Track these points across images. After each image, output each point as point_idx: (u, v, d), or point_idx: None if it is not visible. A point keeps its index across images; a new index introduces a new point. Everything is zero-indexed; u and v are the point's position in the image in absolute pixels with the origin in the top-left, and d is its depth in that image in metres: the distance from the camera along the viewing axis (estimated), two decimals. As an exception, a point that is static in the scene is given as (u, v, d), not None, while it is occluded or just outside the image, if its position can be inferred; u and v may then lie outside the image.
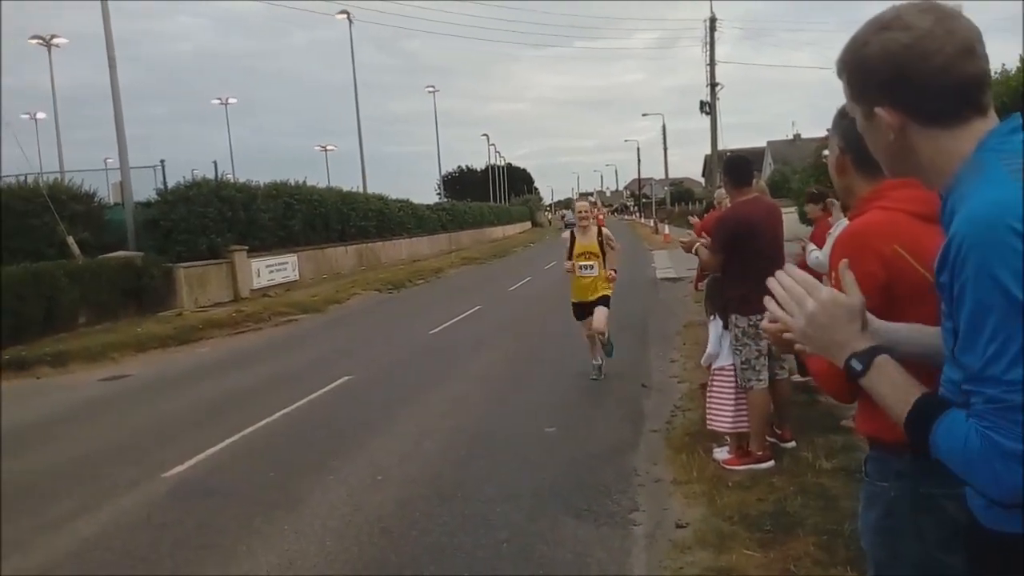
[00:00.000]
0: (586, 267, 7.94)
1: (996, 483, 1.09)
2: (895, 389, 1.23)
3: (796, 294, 1.34)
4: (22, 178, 17.85)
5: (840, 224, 5.23)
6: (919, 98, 1.22)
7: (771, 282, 1.39)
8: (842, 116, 1.84)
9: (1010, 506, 1.12)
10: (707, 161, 44.09)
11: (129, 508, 5.15)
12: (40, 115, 44.19)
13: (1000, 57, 12.27)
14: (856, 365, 1.26)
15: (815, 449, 5.08)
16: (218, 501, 5.19)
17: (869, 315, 1.38)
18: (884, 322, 1.46)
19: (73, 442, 7.03)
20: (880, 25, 1.26)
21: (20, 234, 16.54)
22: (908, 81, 1.22)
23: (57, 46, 34.95)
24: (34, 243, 16.38)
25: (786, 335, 1.39)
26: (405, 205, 35.43)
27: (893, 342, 1.38)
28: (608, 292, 7.97)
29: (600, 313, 7.80)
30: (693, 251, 5.59)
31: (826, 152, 2.06)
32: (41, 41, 34.43)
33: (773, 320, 1.40)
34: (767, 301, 1.38)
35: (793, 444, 5.28)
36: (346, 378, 9.02)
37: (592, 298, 7.89)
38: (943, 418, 1.16)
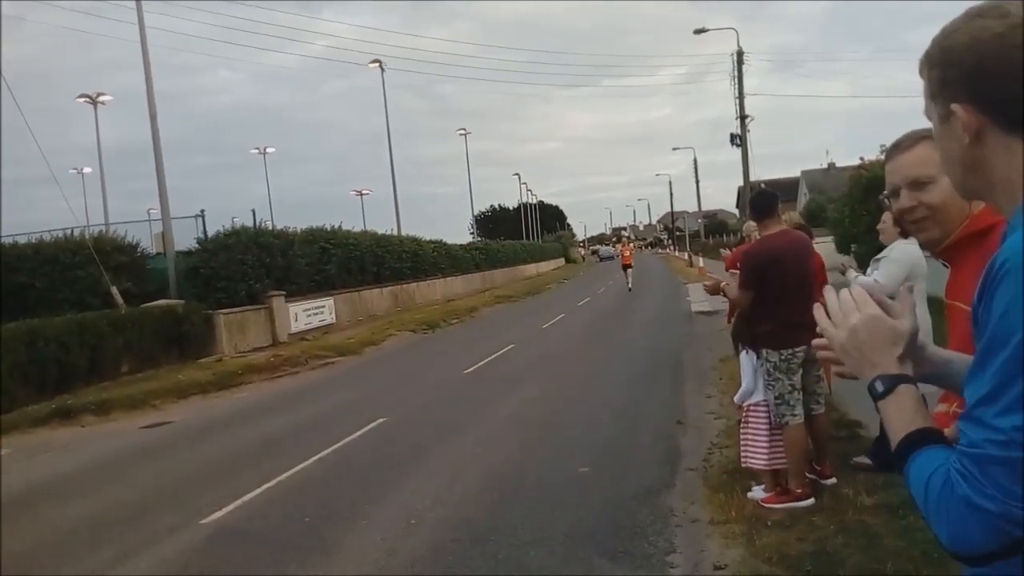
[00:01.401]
0: None
1: (949, 530, 1.00)
2: (902, 417, 1.14)
3: (846, 307, 1.24)
4: (68, 231, 18.49)
5: (897, 245, 5.15)
6: (1004, 97, 1.06)
7: (827, 291, 1.29)
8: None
9: (960, 558, 1.03)
10: (740, 193, 43.90)
11: (168, 556, 5.21)
12: (86, 170, 45.81)
13: None
14: (879, 386, 1.17)
15: (856, 485, 4.96)
16: (254, 547, 5.23)
17: (928, 344, 1.30)
18: (938, 348, 1.38)
19: (115, 490, 7.15)
20: (975, 12, 1.11)
21: (66, 285, 17.10)
22: (994, 75, 1.06)
23: (103, 103, 36.37)
24: (79, 294, 16.91)
25: (823, 353, 1.30)
26: (439, 246, 35.77)
27: (944, 369, 1.30)
28: None
29: None
30: (720, 292, 5.54)
31: (883, 195, 1.92)
32: (88, 99, 35.86)
33: (819, 336, 1.31)
34: (816, 309, 1.28)
35: (833, 481, 5.16)
36: (380, 420, 9.06)
37: None
38: (925, 450, 1.08)
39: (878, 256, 5.42)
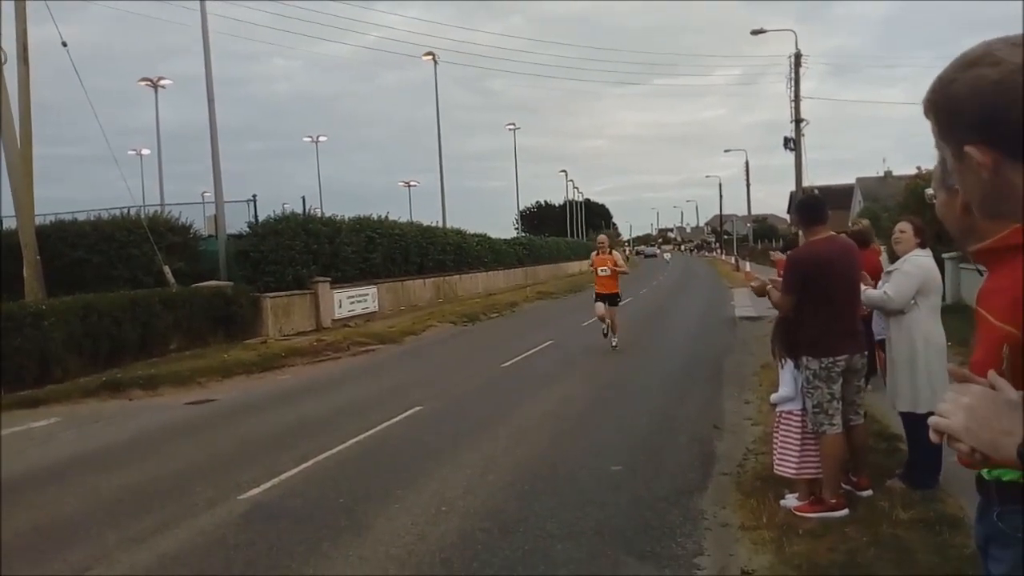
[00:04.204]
0: None
1: None
2: None
3: (950, 398, 1.26)
4: (125, 210, 19.06)
5: (910, 258, 5.06)
6: (1012, 134, 1.16)
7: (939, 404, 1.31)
8: None
9: None
10: (792, 198, 43.13)
11: (206, 528, 5.36)
12: (145, 151, 47.11)
13: None
14: None
15: (892, 499, 4.88)
16: (289, 524, 5.35)
17: None
18: None
19: (159, 462, 7.37)
20: (968, 61, 1.21)
21: (121, 263, 17.66)
22: (999, 117, 1.16)
23: (163, 87, 37.34)
24: (133, 271, 17.45)
25: (955, 444, 1.28)
26: (483, 239, 35.91)
27: None
28: None
29: None
30: (766, 294, 5.49)
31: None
32: (149, 83, 36.84)
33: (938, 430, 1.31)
34: (932, 419, 1.28)
35: (869, 493, 5.08)
36: (417, 408, 9.17)
37: None
38: None
39: (889, 268, 5.32)
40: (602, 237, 14.83)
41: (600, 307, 13.62)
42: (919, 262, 5.01)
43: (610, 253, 13.99)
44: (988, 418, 1.20)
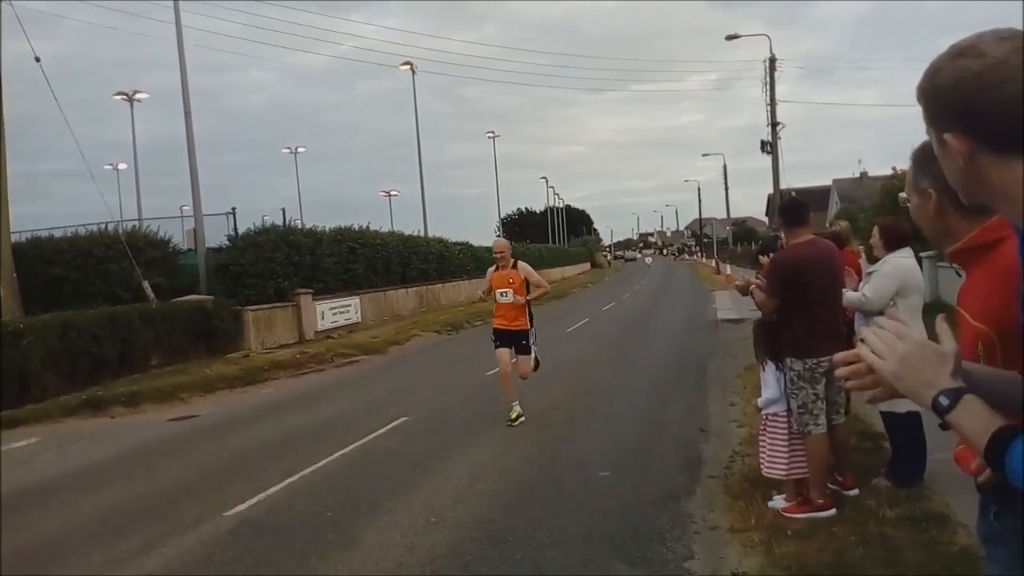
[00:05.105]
0: None
1: None
2: (980, 421, 1.19)
3: (886, 338, 1.32)
4: (103, 226, 18.85)
5: (890, 259, 5.13)
6: (989, 127, 1.21)
7: (865, 331, 1.37)
8: (932, 158, 1.80)
9: None
10: (770, 201, 43.52)
11: (192, 545, 5.30)
12: (121, 166, 46.54)
13: None
14: (943, 400, 1.23)
15: (879, 497, 4.92)
16: (276, 540, 5.30)
17: (970, 364, 1.37)
18: (977, 365, 1.43)
19: (143, 480, 7.28)
20: (955, 52, 1.25)
21: (99, 279, 17.46)
22: (978, 110, 1.21)
23: (139, 101, 37.01)
24: (112, 287, 17.26)
25: (851, 384, 1.37)
26: (464, 247, 35.85)
27: (987, 386, 1.34)
28: None
29: None
30: (749, 293, 5.53)
31: (903, 195, 1.95)
32: (125, 97, 36.52)
33: (850, 364, 1.39)
34: (860, 348, 1.36)
35: (856, 492, 5.12)
36: (403, 419, 9.13)
37: None
38: (1020, 439, 1.13)
39: (870, 269, 5.40)
40: (501, 243, 9.30)
41: (505, 356, 8.53)
42: (899, 263, 5.08)
43: (515, 267, 8.65)
44: (917, 368, 1.28)
